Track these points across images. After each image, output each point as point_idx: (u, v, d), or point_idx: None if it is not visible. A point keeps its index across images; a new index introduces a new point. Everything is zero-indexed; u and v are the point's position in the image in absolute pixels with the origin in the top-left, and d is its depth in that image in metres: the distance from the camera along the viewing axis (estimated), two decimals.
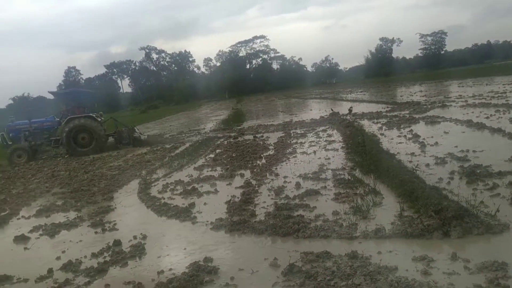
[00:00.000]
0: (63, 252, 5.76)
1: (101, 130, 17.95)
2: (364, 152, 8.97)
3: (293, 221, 5.52)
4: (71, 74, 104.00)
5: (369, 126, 14.21)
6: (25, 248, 6.25)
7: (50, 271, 5.07)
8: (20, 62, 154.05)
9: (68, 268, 5.10)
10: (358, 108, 21.56)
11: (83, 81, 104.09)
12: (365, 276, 3.89)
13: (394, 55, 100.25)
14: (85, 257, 5.42)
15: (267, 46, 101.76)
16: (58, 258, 5.54)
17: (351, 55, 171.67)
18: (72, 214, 7.79)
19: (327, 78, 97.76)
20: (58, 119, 18.69)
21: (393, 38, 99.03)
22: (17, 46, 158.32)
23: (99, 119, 18.46)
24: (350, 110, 19.41)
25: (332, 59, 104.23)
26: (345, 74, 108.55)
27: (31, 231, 6.95)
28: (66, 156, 17.57)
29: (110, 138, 18.56)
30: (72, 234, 6.64)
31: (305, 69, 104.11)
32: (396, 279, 3.78)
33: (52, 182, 11.60)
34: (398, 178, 6.66)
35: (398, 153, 9.10)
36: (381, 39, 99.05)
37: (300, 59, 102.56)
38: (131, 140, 18.11)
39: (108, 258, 5.28)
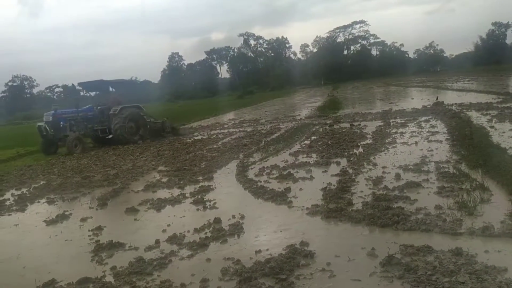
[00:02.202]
0: (168, 225, 6.18)
1: (147, 119, 18.85)
2: (471, 145, 8.44)
3: (392, 213, 5.38)
4: (174, 59, 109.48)
5: (477, 118, 13.22)
6: (135, 219, 6.80)
7: (157, 242, 5.48)
8: (128, 48, 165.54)
9: (173, 241, 5.48)
10: (465, 98, 20.14)
11: (185, 67, 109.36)
12: (470, 275, 3.70)
13: (508, 41, 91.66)
14: (188, 231, 5.77)
15: (366, 31, 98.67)
16: (164, 230, 5.96)
17: (458, 41, 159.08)
18: (175, 191, 8.30)
19: (431, 66, 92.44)
20: (97, 109, 18.51)
21: (508, 22, 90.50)
22: (125, 33, 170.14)
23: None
24: (436, 100, 18.33)
25: (437, 45, 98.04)
26: (451, 61, 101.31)
27: (139, 204, 7.55)
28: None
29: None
30: (176, 209, 7.10)
31: (406, 55, 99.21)
32: (506, 281, 3.54)
33: (157, 160, 12.44)
34: (510, 174, 6.17)
35: (510, 147, 8.39)
36: (494, 23, 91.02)
37: (401, 45, 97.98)
38: (172, 130, 19.27)
39: (209, 234, 5.58)
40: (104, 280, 4.50)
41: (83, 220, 7.04)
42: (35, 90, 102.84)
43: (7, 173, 13.12)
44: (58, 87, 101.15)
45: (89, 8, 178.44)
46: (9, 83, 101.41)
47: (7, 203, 8.93)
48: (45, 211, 8.05)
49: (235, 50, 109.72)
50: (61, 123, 17.32)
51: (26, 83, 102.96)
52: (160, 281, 4.32)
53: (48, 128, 16.94)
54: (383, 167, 8.10)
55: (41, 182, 10.93)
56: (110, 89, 21.18)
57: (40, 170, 13.08)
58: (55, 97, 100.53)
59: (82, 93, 27.06)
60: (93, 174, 11.27)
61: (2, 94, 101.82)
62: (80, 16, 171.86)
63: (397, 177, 7.27)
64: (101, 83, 20.18)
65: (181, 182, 8.97)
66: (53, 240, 6.29)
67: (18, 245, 6.29)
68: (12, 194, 9.80)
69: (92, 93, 21.62)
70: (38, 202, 8.90)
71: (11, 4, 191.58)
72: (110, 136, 18.06)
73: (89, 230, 6.39)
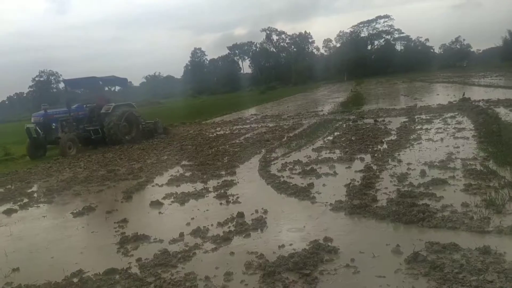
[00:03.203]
0: (192, 219, 6.24)
1: (141, 119, 18.18)
2: (499, 142, 8.23)
3: (418, 210, 5.31)
4: (196, 55, 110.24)
5: (506, 115, 12.90)
6: (159, 213, 6.89)
7: (181, 235, 5.54)
8: (153, 43, 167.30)
9: (197, 234, 5.53)
10: (493, 95, 19.65)
11: (207, 62, 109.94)
12: (499, 274, 3.63)
13: None
14: (212, 225, 5.82)
15: (391, 26, 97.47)
16: (188, 224, 6.02)
17: (486, 35, 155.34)
18: (199, 185, 8.37)
19: (457, 61, 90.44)
20: (87, 108, 17.46)
21: None
22: (151, 28, 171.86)
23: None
24: (463, 96, 17.97)
25: (464, 40, 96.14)
26: (478, 56, 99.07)
27: (164, 198, 7.64)
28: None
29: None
30: (200, 203, 7.16)
31: (432, 50, 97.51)
32: None
33: (181, 155, 12.56)
34: None
35: None
36: None
37: (426, 39, 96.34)
38: (164, 131, 18.75)
39: (232, 228, 5.61)
40: (130, 271, 4.58)
41: (109, 212, 7.17)
42: (61, 85, 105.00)
43: (35, 166, 13.45)
44: None
45: (114, 4, 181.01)
46: (36, 78, 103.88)
47: (35, 195, 9.16)
48: (71, 203, 8.24)
49: (258, 46, 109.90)
50: (53, 124, 15.96)
51: (52, 78, 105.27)
52: (184, 274, 4.37)
53: (39, 130, 15.56)
54: (408, 164, 8.00)
55: (67, 175, 11.17)
56: (106, 88, 19.97)
57: (66, 163, 13.36)
58: (80, 91, 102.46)
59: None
60: (118, 167, 11.46)
61: (30, 89, 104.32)
62: (105, 12, 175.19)
63: (423, 173, 7.16)
64: (89, 81, 18.90)
65: (204, 177, 9.04)
66: (80, 232, 6.43)
67: (46, 236, 6.44)
68: (40, 186, 10.05)
69: (79, 91, 20.71)
70: (65, 194, 9.11)
71: (39, 1, 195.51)
72: (99, 136, 16.90)
73: (114, 223, 6.50)
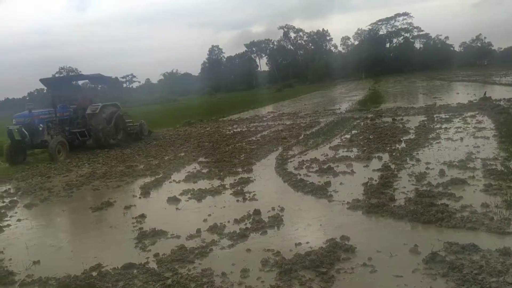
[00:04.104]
0: (209, 215, 6.27)
1: (127, 120, 17.15)
2: None
3: (436, 209, 5.25)
4: (214, 52, 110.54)
5: None
6: (177, 209, 6.94)
7: (199, 231, 5.57)
8: (171, 40, 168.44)
9: (214, 230, 5.56)
10: None
11: (224, 60, 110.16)
12: None
13: None
14: (228, 222, 5.84)
15: (410, 23, 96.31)
16: (205, 220, 6.06)
17: (508, 34, 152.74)
18: (216, 182, 8.41)
19: (478, 59, 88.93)
20: (71, 109, 15.84)
21: None
22: (168, 26, 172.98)
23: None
24: (484, 95, 17.65)
25: (485, 38, 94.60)
26: (499, 55, 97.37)
27: (181, 194, 7.69)
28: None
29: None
30: (216, 200, 7.20)
31: (451, 49, 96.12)
32: None
33: (198, 152, 12.62)
34: None
35: None
36: None
37: (446, 37, 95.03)
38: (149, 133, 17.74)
39: (248, 225, 5.63)
40: (147, 266, 4.63)
41: (127, 207, 7.25)
42: (80, 82, 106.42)
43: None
44: None
45: (131, 1, 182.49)
46: (56, 75, 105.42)
47: (55, 189, 9.31)
48: (90, 198, 8.36)
49: (275, 43, 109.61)
50: (41, 125, 14.05)
51: (72, 74, 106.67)
52: (201, 269, 4.40)
53: (25, 132, 13.69)
54: (427, 163, 7.91)
55: (87, 170, 11.33)
56: (101, 86, 18.78)
57: (85, 158, 13.55)
58: (99, 88, 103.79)
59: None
60: (136, 163, 11.58)
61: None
62: (123, 9, 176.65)
63: (441, 173, 7.08)
64: (68, 79, 17.01)
65: (221, 174, 9.07)
66: (99, 226, 6.53)
67: (66, 230, 6.56)
68: (60, 181, 10.22)
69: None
70: (84, 189, 9.25)
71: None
72: (86, 139, 15.75)
73: (132, 218, 6.57)
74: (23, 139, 13.76)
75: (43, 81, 15.88)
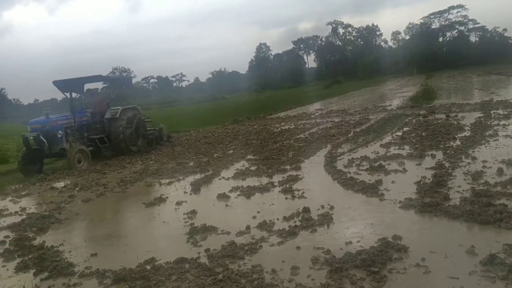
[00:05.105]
0: (258, 212, 6.32)
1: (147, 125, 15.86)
2: None
3: (494, 210, 5.03)
4: (261, 50, 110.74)
5: None
6: (226, 205, 7.05)
7: (248, 227, 5.63)
8: (219, 39, 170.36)
9: (263, 227, 5.60)
10: None
11: (272, 57, 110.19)
12: None
13: None
14: (277, 219, 5.87)
15: (465, 16, 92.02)
16: (254, 217, 6.11)
17: None
18: (264, 180, 8.45)
19: None
20: (88, 114, 14.40)
21: None
22: (217, 25, 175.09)
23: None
24: None
25: None
26: None
27: (230, 191, 7.79)
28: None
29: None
30: (265, 197, 7.24)
31: (510, 41, 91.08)
32: None
33: (246, 149, 12.73)
34: None
35: None
36: None
37: (504, 30, 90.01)
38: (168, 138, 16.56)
39: (298, 223, 5.62)
40: (199, 261, 4.73)
41: (178, 203, 7.44)
42: (133, 81, 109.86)
43: (108, 158, 14.19)
44: (153, 78, 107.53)
45: (182, 1, 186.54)
46: (110, 75, 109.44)
47: (109, 185, 9.69)
48: (143, 194, 8.64)
49: (323, 39, 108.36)
50: (60, 132, 12.78)
51: (125, 74, 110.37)
52: (251, 266, 4.45)
53: (43, 139, 12.46)
54: (483, 161, 7.59)
55: (140, 167, 11.71)
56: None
57: (138, 155, 14.00)
58: (150, 87, 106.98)
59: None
60: (187, 161, 11.83)
61: (104, 85, 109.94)
62: (173, 10, 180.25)
63: (500, 172, 6.77)
64: (81, 81, 15.13)
65: (269, 171, 9.11)
66: (152, 222, 6.74)
67: (121, 225, 6.83)
68: (114, 177, 10.62)
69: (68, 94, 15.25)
70: (138, 185, 9.57)
71: (114, 1, 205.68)
72: (106, 145, 14.59)
73: (184, 214, 6.73)
74: (41, 147, 12.57)
75: (56, 83, 14.35)
